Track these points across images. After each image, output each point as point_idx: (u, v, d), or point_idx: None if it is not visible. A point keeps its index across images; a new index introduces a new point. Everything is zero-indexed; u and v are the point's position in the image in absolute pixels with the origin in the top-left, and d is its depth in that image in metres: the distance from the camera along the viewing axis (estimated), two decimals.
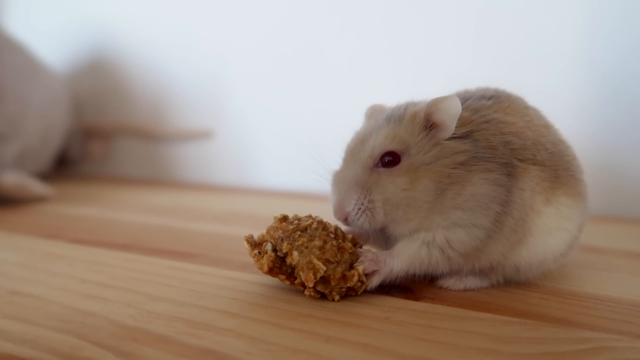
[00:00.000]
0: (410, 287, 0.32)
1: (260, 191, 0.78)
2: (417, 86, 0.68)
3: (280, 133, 0.80)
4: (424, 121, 0.30)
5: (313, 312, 0.28)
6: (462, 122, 0.30)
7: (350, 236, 0.31)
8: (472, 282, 0.32)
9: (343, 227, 0.32)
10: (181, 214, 0.59)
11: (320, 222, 0.31)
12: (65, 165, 0.95)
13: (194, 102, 0.88)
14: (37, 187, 0.67)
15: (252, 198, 0.73)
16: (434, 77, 0.68)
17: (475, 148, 0.30)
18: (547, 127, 0.34)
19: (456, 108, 0.29)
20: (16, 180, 0.64)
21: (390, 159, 0.30)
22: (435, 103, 0.29)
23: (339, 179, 0.31)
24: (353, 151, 0.32)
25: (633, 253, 0.43)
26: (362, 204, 0.30)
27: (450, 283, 0.32)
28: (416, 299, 0.31)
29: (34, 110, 0.74)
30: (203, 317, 0.28)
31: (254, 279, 0.34)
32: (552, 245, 0.32)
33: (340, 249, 0.30)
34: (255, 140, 0.83)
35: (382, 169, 0.30)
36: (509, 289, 0.32)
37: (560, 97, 0.62)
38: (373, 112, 0.35)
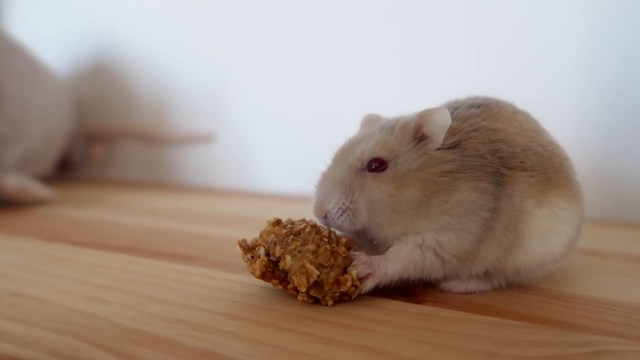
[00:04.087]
0: (412, 289, 0.32)
1: (261, 194, 0.78)
2: (421, 93, 0.69)
3: (281, 136, 0.80)
4: (414, 132, 0.30)
5: (314, 315, 0.28)
6: (450, 132, 0.30)
7: (344, 240, 0.31)
8: (473, 284, 0.32)
9: (338, 232, 0.32)
10: (182, 216, 0.59)
11: (314, 226, 0.31)
12: (67, 169, 0.95)
13: (196, 105, 0.88)
14: (39, 189, 0.67)
15: (253, 201, 0.73)
16: (437, 83, 0.68)
17: (463, 157, 0.30)
18: (536, 131, 0.34)
19: (446, 120, 0.30)
20: (18, 183, 0.64)
21: (377, 165, 0.30)
22: (425, 115, 0.30)
23: (323, 178, 0.32)
24: (342, 153, 0.32)
25: (635, 257, 0.43)
26: (344, 204, 0.30)
27: (452, 285, 0.32)
28: (417, 301, 0.30)
29: (36, 113, 0.74)
30: (204, 320, 0.27)
31: (255, 281, 0.34)
32: (550, 247, 0.32)
33: (333, 253, 0.29)
34: (257, 144, 0.83)
35: (368, 174, 0.30)
36: (510, 292, 0.32)
37: (562, 103, 0.62)
38: (369, 121, 0.35)
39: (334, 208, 0.30)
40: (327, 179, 0.32)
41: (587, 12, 0.60)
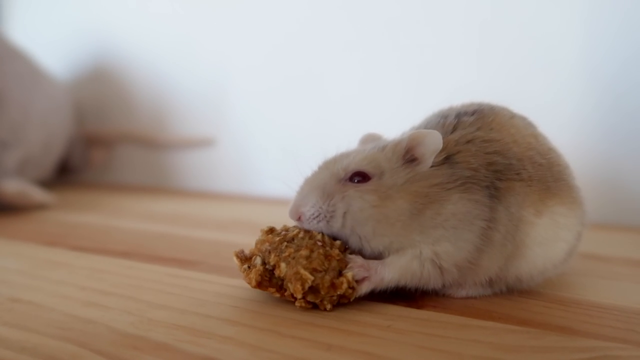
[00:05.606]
0: (412, 294, 0.32)
1: (261, 199, 0.78)
2: (421, 99, 0.69)
3: (281, 141, 0.80)
4: (404, 152, 0.30)
5: (314, 320, 0.28)
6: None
7: (338, 243, 0.31)
8: (474, 289, 0.32)
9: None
10: (182, 221, 0.59)
11: (307, 231, 0.31)
12: (67, 173, 0.95)
13: (195, 110, 0.88)
14: (38, 194, 0.67)
15: (253, 206, 0.73)
16: (437, 90, 0.68)
17: (453, 171, 0.29)
18: (535, 136, 0.33)
19: (437, 144, 0.29)
20: (17, 187, 0.64)
21: (359, 179, 0.30)
22: (417, 137, 0.30)
23: (305, 181, 0.32)
24: (328, 162, 0.32)
25: (636, 261, 0.43)
26: (321, 208, 0.30)
27: (453, 290, 0.32)
28: (418, 306, 0.30)
29: (36, 118, 0.74)
30: (203, 325, 0.27)
31: None
32: (551, 255, 0.31)
33: (327, 256, 0.29)
34: (256, 148, 0.83)
35: (349, 184, 0.30)
36: (511, 297, 0.32)
37: (562, 107, 0.62)
38: (367, 140, 0.35)
39: (309, 211, 0.30)
40: (308, 182, 0.32)
41: (586, 16, 0.60)
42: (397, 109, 0.69)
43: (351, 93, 0.74)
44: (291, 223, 0.33)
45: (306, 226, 0.31)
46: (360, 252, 0.31)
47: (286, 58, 0.79)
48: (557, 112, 0.61)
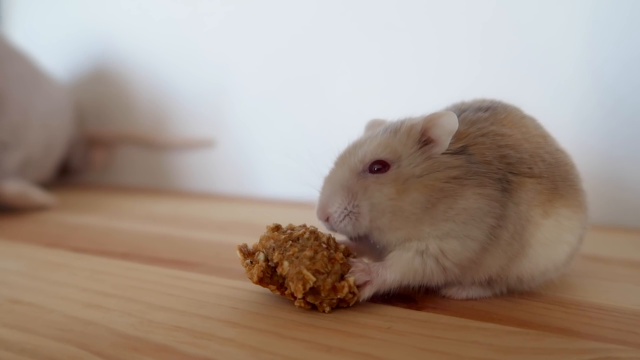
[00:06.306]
0: (412, 296, 0.32)
1: (261, 200, 0.78)
2: (422, 99, 0.68)
3: (282, 142, 0.80)
4: (420, 135, 0.30)
5: (314, 322, 0.28)
6: (457, 136, 0.30)
7: (342, 246, 0.31)
8: (474, 291, 0.32)
9: (337, 238, 0.32)
10: (182, 222, 0.59)
11: (313, 232, 0.31)
12: (68, 174, 0.95)
13: (196, 111, 0.88)
14: (38, 195, 0.67)
15: (253, 207, 0.73)
16: (439, 90, 0.68)
17: (469, 163, 0.29)
18: (544, 137, 0.33)
19: (453, 125, 0.29)
20: (18, 188, 0.64)
21: (379, 167, 0.30)
22: (433, 118, 0.30)
23: (326, 181, 0.32)
24: (344, 156, 0.32)
25: (637, 262, 0.43)
26: (346, 208, 0.30)
27: (453, 292, 0.32)
28: (418, 308, 0.30)
29: (36, 119, 0.74)
30: (204, 327, 0.27)
31: (255, 288, 0.33)
32: (553, 257, 0.31)
33: (331, 259, 0.29)
34: (257, 149, 0.83)
35: (370, 175, 0.30)
36: (512, 299, 0.32)
37: (562, 108, 0.62)
38: (372, 125, 0.35)
39: (336, 212, 0.30)
40: (330, 182, 0.31)
41: (587, 18, 0.60)
42: (398, 110, 0.69)
43: (352, 95, 0.74)
44: (296, 222, 0.33)
45: (334, 227, 0.30)
46: (376, 247, 0.31)
47: (287, 60, 0.79)
48: (557, 113, 0.61)
